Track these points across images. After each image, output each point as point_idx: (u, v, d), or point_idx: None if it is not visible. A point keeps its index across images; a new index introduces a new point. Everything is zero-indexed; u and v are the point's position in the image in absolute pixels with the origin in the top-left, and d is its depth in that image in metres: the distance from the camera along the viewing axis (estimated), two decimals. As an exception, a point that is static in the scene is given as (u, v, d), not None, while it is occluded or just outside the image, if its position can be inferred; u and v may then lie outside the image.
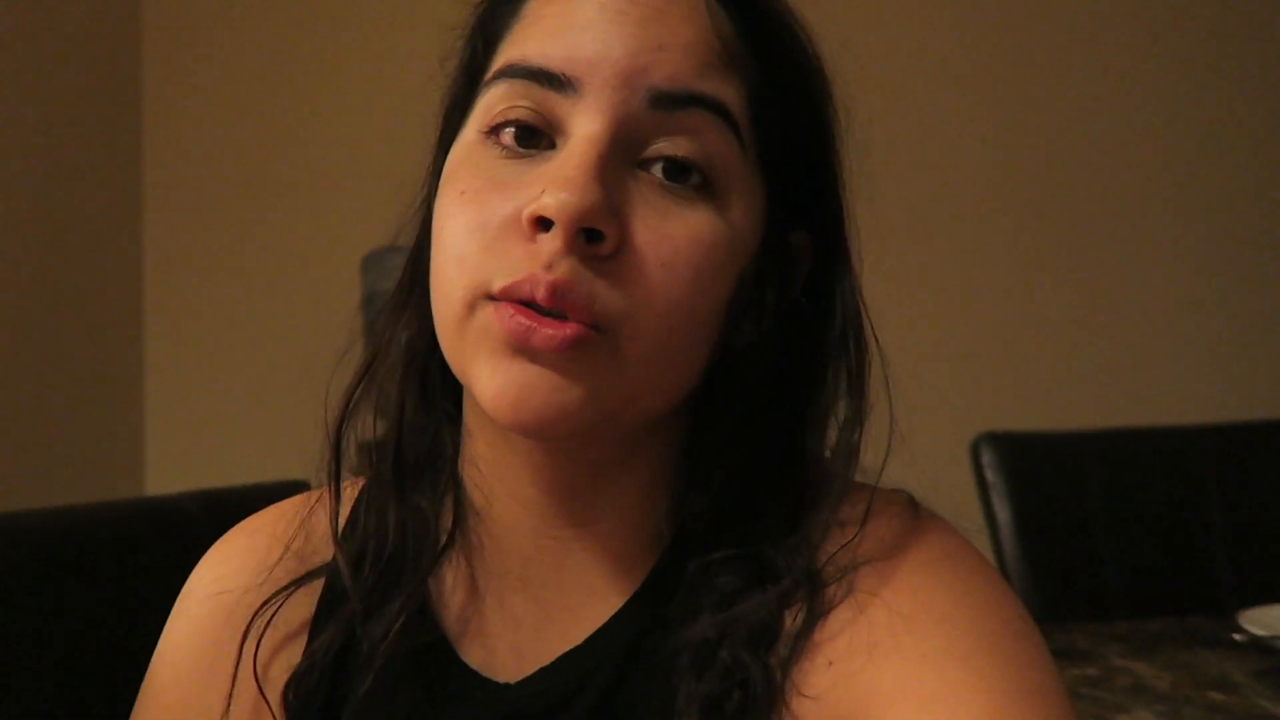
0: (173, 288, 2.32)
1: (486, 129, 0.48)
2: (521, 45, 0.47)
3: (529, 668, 0.51)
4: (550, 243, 0.44)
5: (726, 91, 0.47)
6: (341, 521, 0.55)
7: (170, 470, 2.30)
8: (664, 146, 0.46)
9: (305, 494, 0.59)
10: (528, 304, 0.44)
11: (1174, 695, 0.90)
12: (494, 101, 0.47)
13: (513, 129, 0.47)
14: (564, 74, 0.46)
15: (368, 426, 0.56)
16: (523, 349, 0.44)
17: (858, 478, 0.53)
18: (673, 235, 0.45)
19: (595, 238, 0.44)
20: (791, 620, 0.48)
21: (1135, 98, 2.06)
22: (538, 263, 0.44)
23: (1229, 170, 2.07)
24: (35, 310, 2.04)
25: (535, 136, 0.47)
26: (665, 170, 0.46)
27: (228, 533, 0.59)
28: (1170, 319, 2.04)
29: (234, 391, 2.26)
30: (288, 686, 0.53)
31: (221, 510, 0.73)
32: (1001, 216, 2.07)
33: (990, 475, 1.44)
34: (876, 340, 0.54)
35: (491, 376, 0.45)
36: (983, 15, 2.09)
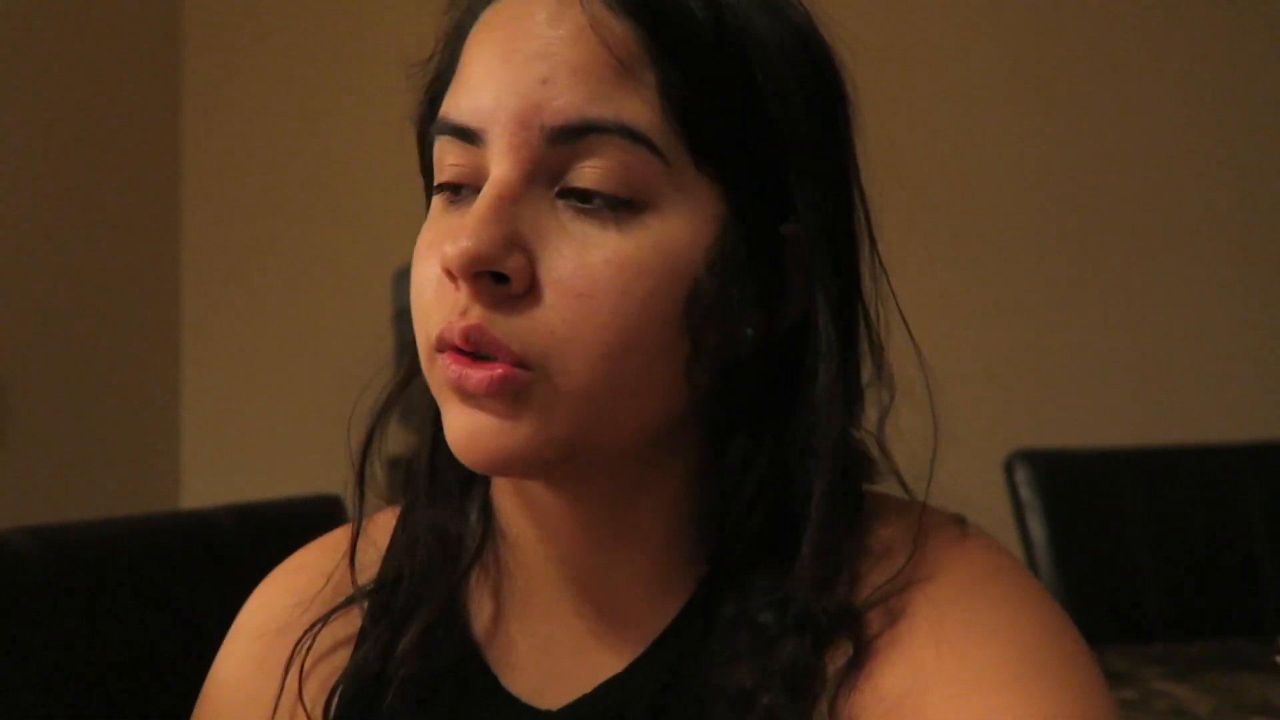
0: (209, 303, 2.35)
1: (437, 183, 0.49)
2: (450, 99, 0.48)
3: (565, 694, 0.51)
4: (462, 289, 0.45)
5: (628, 108, 0.45)
6: (381, 548, 0.56)
7: (205, 484, 2.32)
8: (572, 177, 0.45)
9: (346, 527, 0.59)
10: (460, 350, 0.45)
11: (1215, 720, 0.88)
12: (438, 158, 0.49)
13: (446, 185, 0.48)
14: (470, 127, 0.46)
15: (396, 441, 0.57)
16: (464, 395, 0.45)
17: (900, 494, 0.52)
18: (589, 264, 0.44)
19: (501, 279, 0.44)
20: (833, 660, 0.47)
21: (1174, 110, 2.04)
22: (455, 310, 0.45)
23: (1271, 184, 2.04)
24: (73, 324, 2.07)
25: (460, 190, 0.48)
26: (577, 194, 0.45)
27: (274, 571, 0.60)
28: (1211, 335, 2.01)
29: (269, 405, 2.28)
30: (329, 707, 0.53)
31: (254, 524, 0.73)
32: (1040, 231, 2.05)
33: (1025, 493, 1.42)
34: (876, 337, 0.52)
35: (450, 422, 0.46)
36: (1021, 29, 2.07)
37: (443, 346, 0.46)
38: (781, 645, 0.47)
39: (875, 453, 0.52)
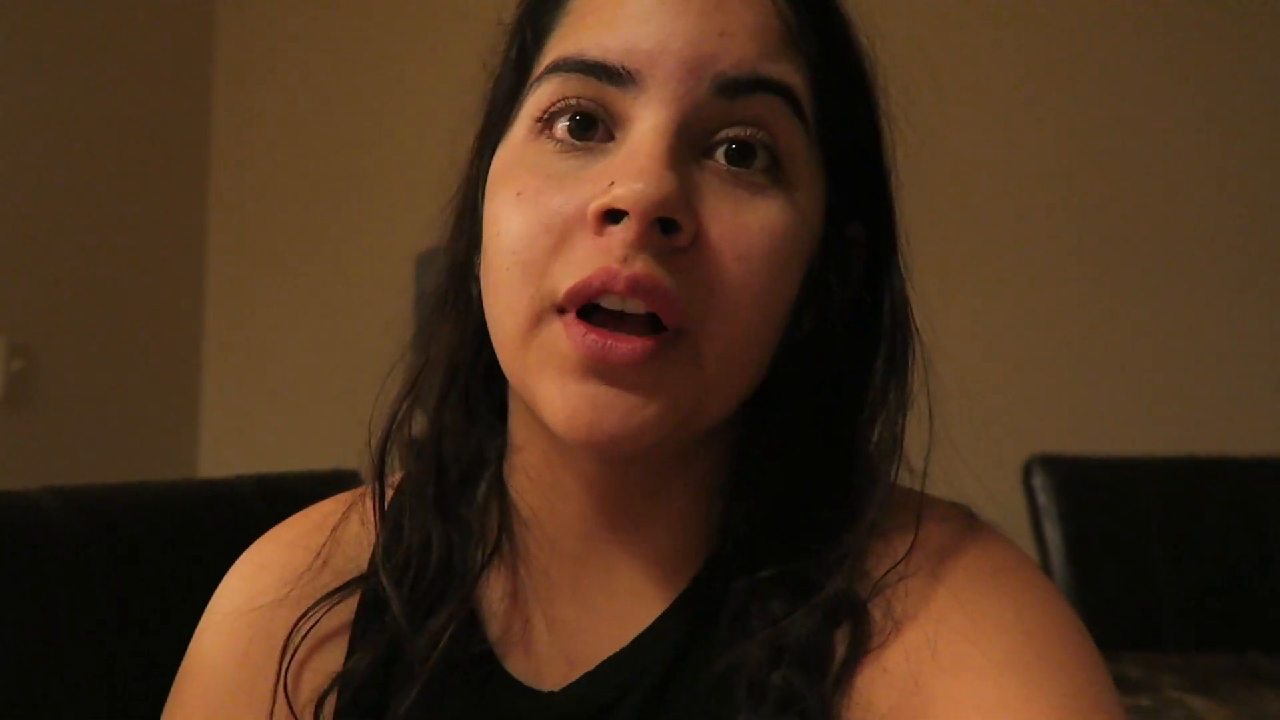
0: (232, 276, 2.36)
1: (538, 119, 0.45)
2: (575, 38, 0.45)
3: (573, 673, 0.51)
4: (622, 234, 0.41)
5: (791, 75, 0.45)
6: (369, 525, 0.54)
7: (223, 452, 2.33)
8: (731, 132, 0.44)
9: (336, 499, 0.57)
10: (596, 310, 0.42)
11: (1231, 731, 0.87)
12: (545, 96, 0.45)
13: (567, 119, 0.45)
14: (623, 67, 0.43)
15: (416, 423, 0.55)
16: (598, 368, 0.42)
17: (910, 485, 0.52)
18: (747, 226, 0.43)
19: (670, 228, 0.42)
20: (843, 639, 0.47)
21: (1203, 117, 2.02)
22: (611, 256, 0.41)
23: (1300, 197, 2.02)
24: (98, 295, 2.09)
25: (592, 126, 0.44)
26: (732, 155, 0.44)
27: (257, 543, 0.56)
28: (1235, 346, 1.99)
29: (288, 381, 2.29)
30: (323, 702, 0.51)
31: (275, 494, 0.74)
32: (1065, 236, 2.03)
33: (1042, 498, 1.41)
34: (919, 338, 0.52)
35: (562, 397, 0.43)
36: (1043, 31, 2.06)
37: (574, 297, 0.42)
38: (793, 623, 0.47)
39: (886, 434, 0.52)
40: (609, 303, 0.42)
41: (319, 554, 0.54)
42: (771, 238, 0.44)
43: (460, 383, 0.53)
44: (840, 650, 0.47)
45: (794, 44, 0.46)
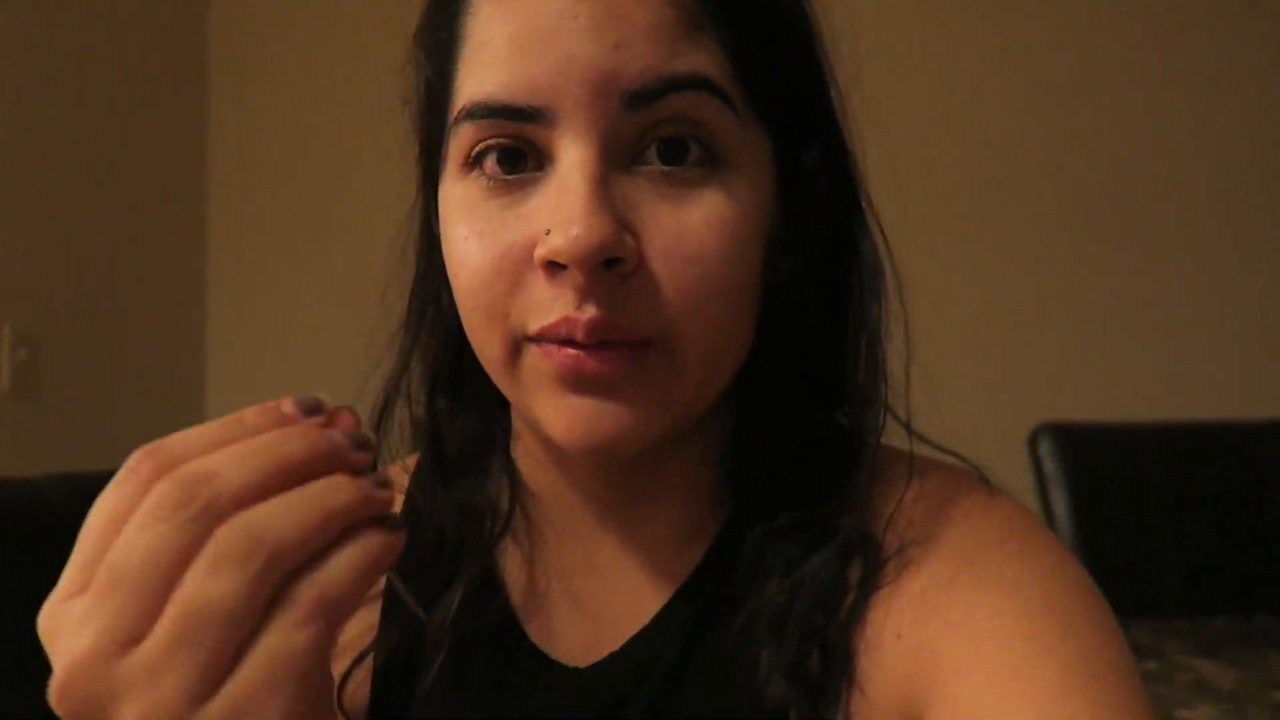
0: (234, 268, 2.36)
1: (464, 162, 0.45)
2: (479, 79, 0.44)
3: (596, 651, 0.51)
4: (571, 281, 0.42)
5: (702, 63, 0.43)
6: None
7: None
8: (657, 133, 0.43)
9: None
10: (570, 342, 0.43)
11: (1239, 694, 0.87)
12: (466, 140, 0.45)
13: (493, 156, 0.44)
14: (530, 106, 0.43)
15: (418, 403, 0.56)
16: (581, 382, 0.43)
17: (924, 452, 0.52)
18: (690, 226, 0.43)
19: (614, 264, 0.42)
20: (855, 582, 0.48)
21: (1198, 82, 2.01)
22: (567, 304, 0.42)
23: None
24: (102, 284, 2.09)
25: (521, 158, 0.44)
26: (664, 155, 0.43)
27: None
28: (1240, 312, 1.99)
29: (292, 365, 2.29)
30: (343, 685, 0.51)
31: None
32: (1069, 203, 2.02)
33: (1048, 466, 1.41)
34: (891, 259, 0.51)
35: (556, 412, 0.44)
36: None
37: (544, 338, 0.43)
38: (808, 562, 0.47)
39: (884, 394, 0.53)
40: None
41: None
42: (720, 230, 0.43)
43: (446, 386, 0.54)
44: (854, 589, 0.47)
45: (698, 26, 0.44)
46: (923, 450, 0.53)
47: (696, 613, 0.50)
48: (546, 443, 0.50)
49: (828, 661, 0.46)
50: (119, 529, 0.30)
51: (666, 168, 0.43)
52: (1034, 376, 1.95)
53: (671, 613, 0.50)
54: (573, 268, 0.41)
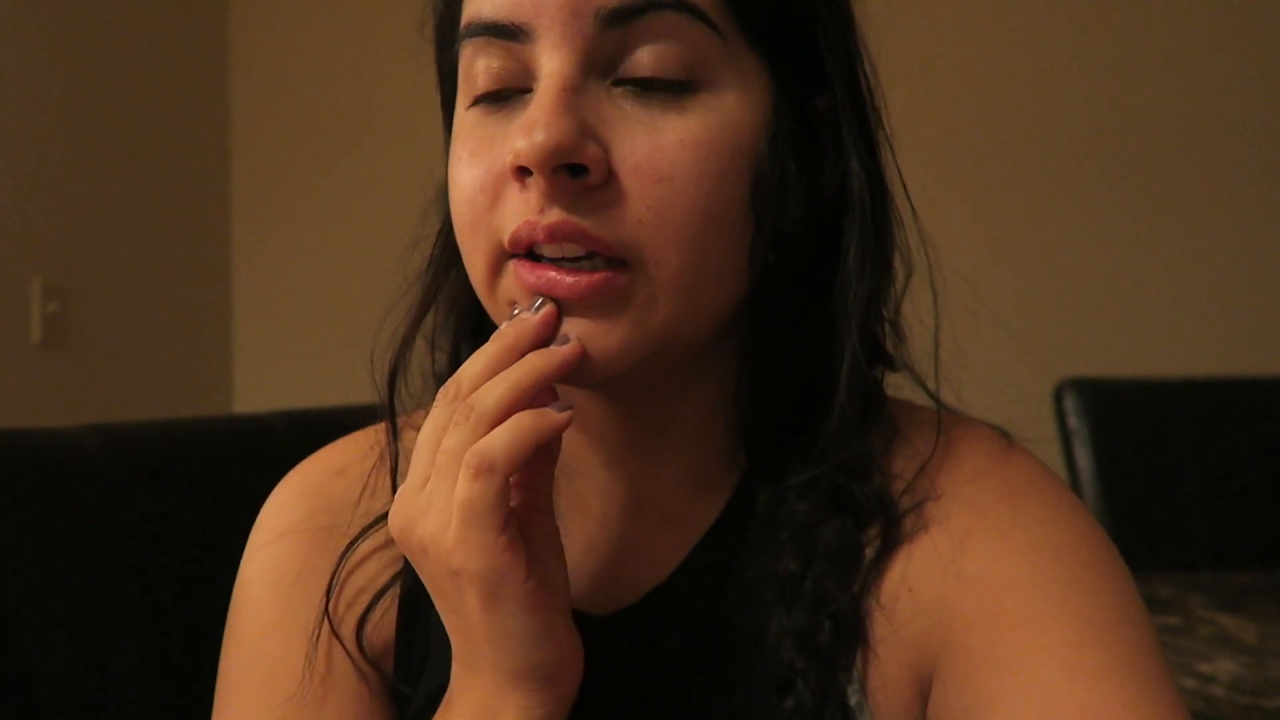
0: (259, 218, 2.36)
1: (466, 85, 0.47)
2: (476, 2, 0.46)
3: (614, 601, 0.51)
4: (535, 186, 0.43)
5: None
6: (403, 467, 0.54)
7: (256, 388, 2.36)
8: (630, 62, 0.44)
9: (375, 428, 0.57)
10: (540, 257, 0.44)
11: (1261, 648, 0.88)
12: (465, 62, 0.47)
13: (485, 79, 0.46)
14: (512, 23, 0.44)
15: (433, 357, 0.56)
16: (556, 303, 0.44)
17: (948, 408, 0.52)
18: (664, 145, 0.43)
19: (579, 172, 0.43)
20: (870, 545, 0.48)
21: (1228, 34, 1.96)
22: (530, 208, 0.43)
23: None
24: (129, 234, 2.10)
25: (508, 83, 0.46)
26: (641, 74, 0.44)
27: (299, 467, 0.57)
28: (1267, 267, 1.96)
29: (319, 315, 2.31)
30: (363, 625, 0.52)
31: (309, 429, 0.75)
32: (1094, 156, 1.99)
33: (1073, 421, 1.41)
34: (897, 208, 0.51)
35: None
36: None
37: (517, 249, 0.44)
38: (823, 527, 0.48)
39: (894, 343, 0.53)
40: (548, 251, 0.44)
41: (365, 483, 0.55)
42: (694, 150, 0.44)
43: (470, 325, 0.55)
44: (870, 552, 0.48)
45: None
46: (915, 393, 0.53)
47: (716, 567, 0.50)
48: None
49: (839, 630, 0.46)
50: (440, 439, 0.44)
51: (643, 88, 0.44)
52: (1058, 331, 1.93)
53: (691, 567, 0.51)
54: (535, 172, 0.42)
